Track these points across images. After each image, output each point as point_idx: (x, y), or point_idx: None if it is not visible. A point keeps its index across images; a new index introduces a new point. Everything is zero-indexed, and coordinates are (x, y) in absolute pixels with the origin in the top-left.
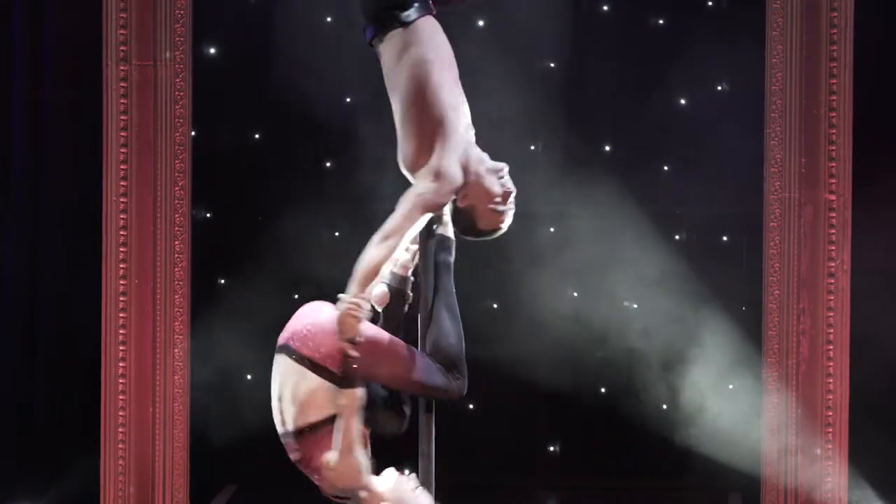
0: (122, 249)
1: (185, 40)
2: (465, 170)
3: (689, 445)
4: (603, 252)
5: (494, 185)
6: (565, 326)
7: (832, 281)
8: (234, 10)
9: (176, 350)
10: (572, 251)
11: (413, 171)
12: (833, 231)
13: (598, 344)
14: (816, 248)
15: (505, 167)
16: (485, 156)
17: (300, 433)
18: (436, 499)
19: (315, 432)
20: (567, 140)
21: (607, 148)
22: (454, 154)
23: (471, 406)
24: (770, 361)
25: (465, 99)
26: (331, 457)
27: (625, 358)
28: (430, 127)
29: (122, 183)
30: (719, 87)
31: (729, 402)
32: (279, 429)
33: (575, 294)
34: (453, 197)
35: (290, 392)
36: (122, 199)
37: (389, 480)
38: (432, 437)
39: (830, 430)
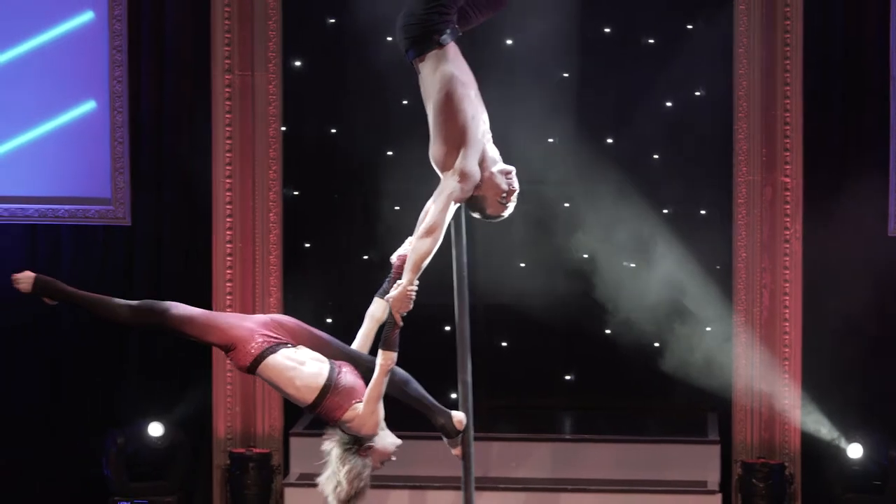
0: (228, 220)
1: (277, 55)
2: (482, 167)
3: (676, 375)
4: (607, 222)
5: (502, 184)
6: (578, 282)
7: (787, 246)
8: (315, 31)
9: (271, 299)
10: (584, 222)
11: (442, 167)
12: (788, 206)
13: (604, 295)
14: (775, 219)
15: (513, 170)
16: (498, 158)
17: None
18: (474, 418)
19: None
20: (577, 133)
21: (609, 140)
22: (475, 156)
23: (503, 344)
24: (739, 309)
25: (483, 108)
26: (359, 406)
27: (625, 306)
28: (455, 133)
29: (227, 167)
30: (697, 93)
31: (707, 341)
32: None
33: (585, 256)
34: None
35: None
36: (227, 180)
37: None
38: (468, 368)
39: (787, 362)
